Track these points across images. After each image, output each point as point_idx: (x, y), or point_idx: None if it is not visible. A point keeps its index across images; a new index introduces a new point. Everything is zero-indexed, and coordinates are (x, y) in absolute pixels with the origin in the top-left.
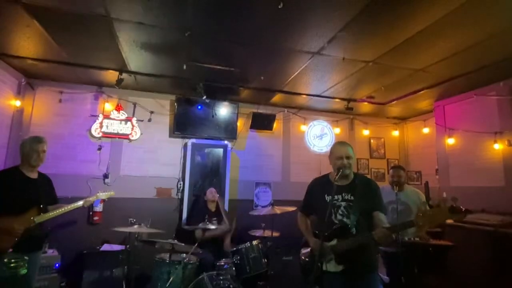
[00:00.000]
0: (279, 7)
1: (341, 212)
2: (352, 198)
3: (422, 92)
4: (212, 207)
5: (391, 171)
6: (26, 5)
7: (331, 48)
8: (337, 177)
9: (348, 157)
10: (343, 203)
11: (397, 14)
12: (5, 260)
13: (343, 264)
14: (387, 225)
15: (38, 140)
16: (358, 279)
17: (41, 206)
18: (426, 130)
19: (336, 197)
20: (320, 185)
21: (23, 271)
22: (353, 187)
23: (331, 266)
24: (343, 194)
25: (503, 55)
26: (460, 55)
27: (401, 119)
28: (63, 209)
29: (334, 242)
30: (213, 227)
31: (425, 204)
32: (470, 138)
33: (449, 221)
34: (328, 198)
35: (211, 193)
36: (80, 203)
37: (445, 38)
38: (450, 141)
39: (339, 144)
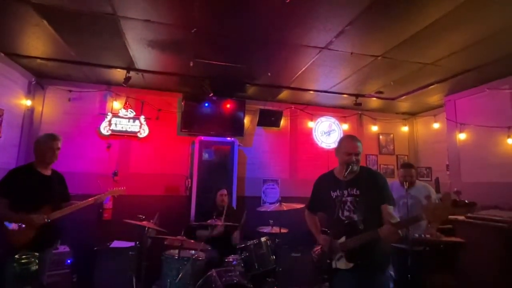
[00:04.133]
0: (286, 1)
1: (347, 208)
2: (358, 192)
3: (432, 86)
4: (220, 206)
5: (401, 170)
6: (35, 5)
7: (339, 42)
8: (346, 173)
9: (357, 154)
10: (349, 198)
11: (406, 7)
12: (16, 256)
13: (354, 261)
14: (396, 219)
15: (53, 137)
16: (369, 277)
17: (55, 203)
18: (436, 126)
19: (341, 192)
20: (325, 181)
21: (34, 267)
22: (359, 181)
23: (341, 264)
24: (349, 189)
25: None
26: (472, 48)
27: (411, 115)
28: (75, 206)
29: (343, 239)
30: (220, 223)
31: (431, 198)
32: (482, 133)
33: (460, 217)
34: (333, 194)
35: (221, 196)
36: (92, 200)
37: (456, 31)
38: (462, 136)
39: (349, 138)
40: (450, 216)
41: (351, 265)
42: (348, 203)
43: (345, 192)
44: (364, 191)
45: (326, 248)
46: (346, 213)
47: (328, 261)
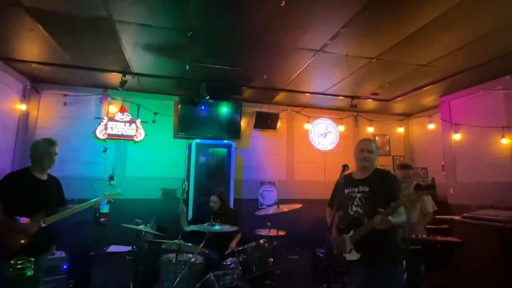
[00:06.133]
0: (281, 4)
1: (356, 203)
2: (367, 189)
3: (427, 87)
4: (216, 209)
5: (399, 171)
6: (29, 9)
7: (334, 45)
8: (357, 170)
9: (369, 151)
10: (359, 195)
11: (401, 9)
12: (12, 261)
13: (360, 252)
14: (402, 216)
15: (51, 142)
16: (380, 269)
17: (51, 207)
18: (431, 126)
19: (353, 189)
20: (344, 180)
21: (30, 272)
22: (370, 180)
23: (352, 256)
24: (359, 186)
25: (510, 48)
26: (466, 49)
27: (406, 116)
28: (71, 210)
29: (351, 232)
30: (218, 227)
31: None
32: (477, 133)
33: (457, 217)
34: (346, 191)
35: (212, 202)
36: (88, 203)
37: (450, 32)
38: (456, 136)
39: (364, 139)
40: (444, 217)
41: (358, 255)
42: (357, 199)
43: (356, 189)
44: (373, 189)
45: (333, 242)
46: (354, 208)
47: (338, 253)
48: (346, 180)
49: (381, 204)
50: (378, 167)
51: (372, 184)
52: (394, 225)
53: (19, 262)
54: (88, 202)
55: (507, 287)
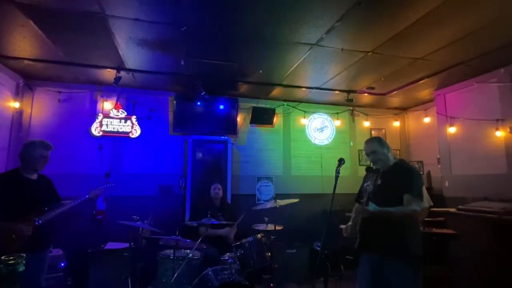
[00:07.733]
0: None
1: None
2: (380, 182)
3: (422, 81)
4: (217, 202)
5: None
6: (20, 5)
7: (330, 39)
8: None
9: (373, 152)
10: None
11: (395, 2)
12: (3, 258)
13: (359, 239)
14: (409, 207)
15: (47, 147)
16: (377, 257)
17: (44, 206)
18: (427, 120)
19: (369, 183)
20: (367, 176)
21: (21, 268)
22: (386, 174)
23: (356, 243)
24: (376, 180)
25: (504, 41)
26: (460, 42)
27: (402, 109)
28: (66, 206)
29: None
30: (215, 222)
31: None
32: (472, 126)
33: (452, 209)
34: (365, 185)
35: (214, 190)
36: (85, 197)
37: (444, 25)
38: (452, 129)
39: (365, 142)
40: (440, 209)
41: (357, 242)
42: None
43: (371, 182)
44: (386, 181)
45: (347, 230)
46: (366, 199)
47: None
48: (368, 176)
49: (389, 196)
50: (398, 160)
51: (386, 177)
52: (387, 215)
53: (11, 258)
54: (83, 197)
55: (502, 278)
